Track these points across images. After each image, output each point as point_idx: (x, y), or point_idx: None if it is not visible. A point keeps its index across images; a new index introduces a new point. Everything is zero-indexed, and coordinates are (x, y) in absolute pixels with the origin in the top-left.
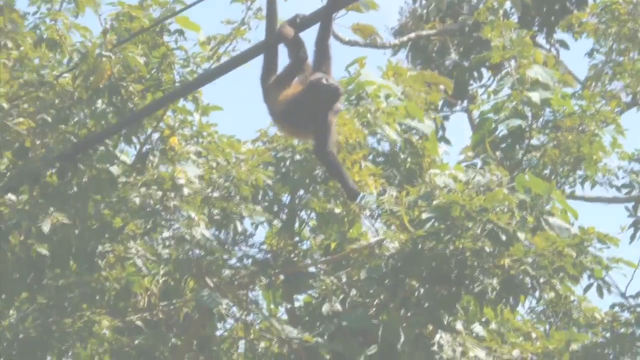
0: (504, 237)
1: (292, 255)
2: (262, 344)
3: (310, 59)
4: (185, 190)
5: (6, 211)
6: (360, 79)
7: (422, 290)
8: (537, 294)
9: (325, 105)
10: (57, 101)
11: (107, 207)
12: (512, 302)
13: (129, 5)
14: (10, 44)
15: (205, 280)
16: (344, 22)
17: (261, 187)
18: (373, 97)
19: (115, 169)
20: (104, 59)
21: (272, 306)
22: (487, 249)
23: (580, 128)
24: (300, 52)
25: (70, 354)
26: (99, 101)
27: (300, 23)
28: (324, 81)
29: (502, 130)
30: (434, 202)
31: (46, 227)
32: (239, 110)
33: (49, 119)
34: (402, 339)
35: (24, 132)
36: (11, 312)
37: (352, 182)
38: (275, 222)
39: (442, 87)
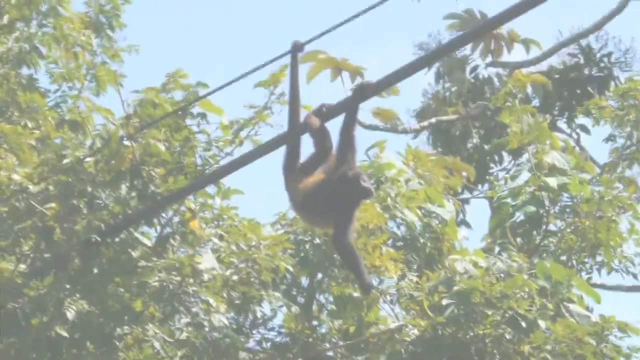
0: (524, 324)
1: (310, 339)
2: None
3: (334, 145)
4: (205, 276)
5: (31, 294)
6: (379, 162)
7: None
8: None
9: (355, 202)
10: (81, 187)
11: (126, 291)
12: None
13: (152, 88)
14: (30, 124)
15: None
16: (364, 105)
17: (282, 273)
18: (393, 181)
19: (134, 252)
20: (125, 143)
21: None
22: (508, 336)
23: (597, 214)
24: (326, 143)
25: None
26: (122, 185)
27: (326, 112)
28: (362, 183)
29: (519, 215)
30: (454, 288)
31: (71, 315)
32: (258, 190)
33: (78, 204)
34: None
35: (50, 216)
36: None
37: (367, 275)
38: (294, 306)
39: (464, 174)
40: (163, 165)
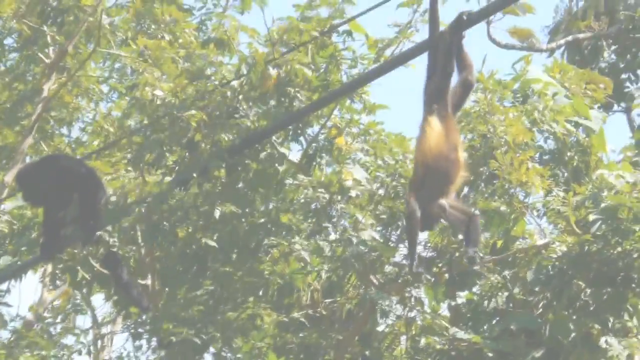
0: None
1: (457, 254)
2: (424, 340)
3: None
4: (353, 193)
5: (173, 202)
6: (526, 77)
7: (588, 292)
8: None
9: None
10: (222, 98)
11: (274, 204)
12: None
13: (297, 6)
14: (167, 37)
15: (369, 277)
16: (501, 25)
17: None
18: (540, 94)
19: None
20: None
21: (433, 303)
22: None
23: None
24: (461, 64)
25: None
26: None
27: (466, 21)
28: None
29: None
30: (602, 205)
31: (217, 214)
32: (403, 108)
33: (219, 113)
34: (571, 338)
35: (193, 125)
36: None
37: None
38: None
39: (602, 86)
40: (308, 86)
